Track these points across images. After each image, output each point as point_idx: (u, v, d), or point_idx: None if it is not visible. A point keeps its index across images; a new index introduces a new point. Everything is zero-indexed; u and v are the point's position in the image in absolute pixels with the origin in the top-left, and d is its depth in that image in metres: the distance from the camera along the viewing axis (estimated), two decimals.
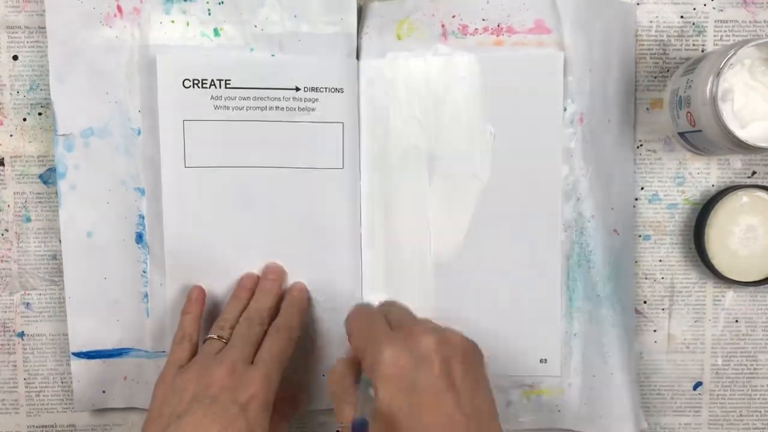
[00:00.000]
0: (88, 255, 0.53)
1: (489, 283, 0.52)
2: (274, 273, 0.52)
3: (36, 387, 0.56)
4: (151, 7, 0.50)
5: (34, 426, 0.56)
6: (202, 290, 0.52)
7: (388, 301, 0.45)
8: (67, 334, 0.54)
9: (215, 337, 0.48)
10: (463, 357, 0.39)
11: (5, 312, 0.55)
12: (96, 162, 0.52)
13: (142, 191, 0.52)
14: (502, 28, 0.51)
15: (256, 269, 0.52)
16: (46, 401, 0.56)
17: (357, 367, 0.42)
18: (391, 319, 0.42)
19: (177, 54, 0.51)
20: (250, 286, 0.51)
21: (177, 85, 0.50)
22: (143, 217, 0.53)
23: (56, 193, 0.53)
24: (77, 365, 0.54)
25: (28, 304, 0.55)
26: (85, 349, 0.54)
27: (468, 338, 0.41)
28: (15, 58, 0.53)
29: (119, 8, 0.51)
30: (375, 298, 0.50)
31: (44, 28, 0.52)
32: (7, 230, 0.54)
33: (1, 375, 0.55)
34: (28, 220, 0.54)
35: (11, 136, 0.54)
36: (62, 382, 0.56)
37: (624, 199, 0.53)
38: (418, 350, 0.38)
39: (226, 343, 0.47)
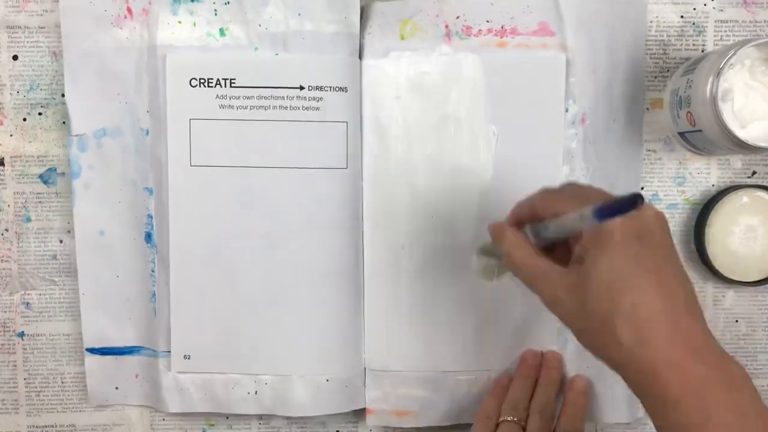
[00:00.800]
0: (100, 253, 0.53)
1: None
2: (557, 361, 0.53)
3: (36, 387, 0.56)
4: (159, 8, 0.51)
5: (34, 426, 0.56)
6: (509, 378, 0.53)
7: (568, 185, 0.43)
8: (67, 334, 0.55)
9: (514, 420, 0.50)
10: (668, 229, 0.39)
11: (5, 312, 0.55)
12: (108, 162, 0.52)
13: (150, 191, 0.53)
14: (505, 30, 0.51)
15: (257, 269, 0.52)
16: (46, 401, 0.56)
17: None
18: (589, 196, 0.40)
19: (184, 54, 0.51)
20: (536, 363, 0.53)
21: (184, 85, 0.51)
22: (152, 217, 0.53)
23: (56, 193, 0.54)
24: (90, 361, 0.54)
25: (28, 304, 0.55)
26: (98, 346, 0.54)
27: None
28: (15, 58, 0.53)
29: (129, 9, 0.51)
30: None
31: (44, 27, 0.53)
32: (7, 230, 0.54)
33: (1, 375, 0.55)
34: (28, 220, 0.54)
35: (11, 136, 0.54)
36: (62, 382, 0.56)
37: None
38: (641, 220, 0.37)
39: (522, 427, 0.49)
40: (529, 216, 0.42)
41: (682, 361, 0.35)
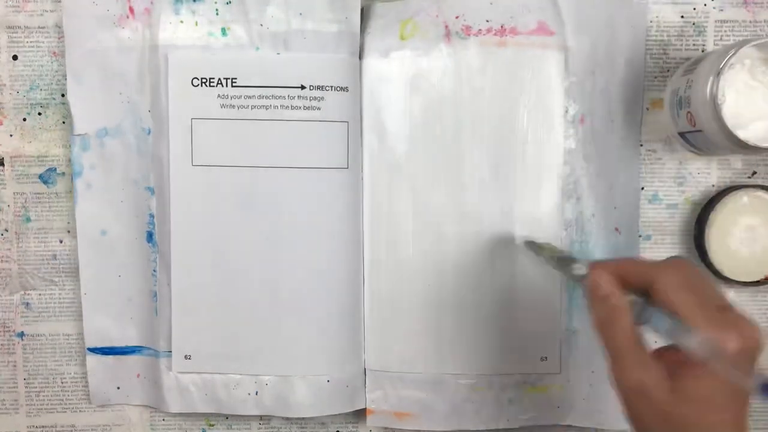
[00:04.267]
0: (102, 253, 0.53)
1: (491, 281, 0.53)
2: None
3: (36, 387, 0.56)
4: (161, 7, 0.51)
5: (34, 426, 0.56)
6: None
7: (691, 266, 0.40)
8: (67, 334, 0.55)
9: None
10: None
11: (5, 312, 0.55)
12: (110, 161, 0.53)
13: (152, 190, 0.53)
14: (505, 30, 0.51)
15: (258, 269, 0.52)
16: (46, 401, 0.56)
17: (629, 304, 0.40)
18: (712, 297, 0.39)
19: (186, 53, 0.51)
20: None
21: (186, 84, 0.51)
22: (153, 216, 0.53)
23: (55, 193, 0.54)
24: (92, 360, 0.54)
25: (28, 304, 0.55)
26: (99, 345, 0.54)
27: None
28: (15, 58, 0.53)
29: (131, 9, 0.51)
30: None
31: (44, 27, 0.52)
32: (7, 230, 0.54)
33: (1, 375, 0.55)
34: (28, 220, 0.54)
35: (11, 136, 0.54)
36: (62, 382, 0.55)
37: (627, 198, 0.53)
38: (747, 340, 0.37)
39: None
40: (635, 283, 0.39)
41: None
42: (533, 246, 0.50)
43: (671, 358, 0.38)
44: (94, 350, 0.54)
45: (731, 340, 0.36)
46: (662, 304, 0.38)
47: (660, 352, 0.39)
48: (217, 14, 0.51)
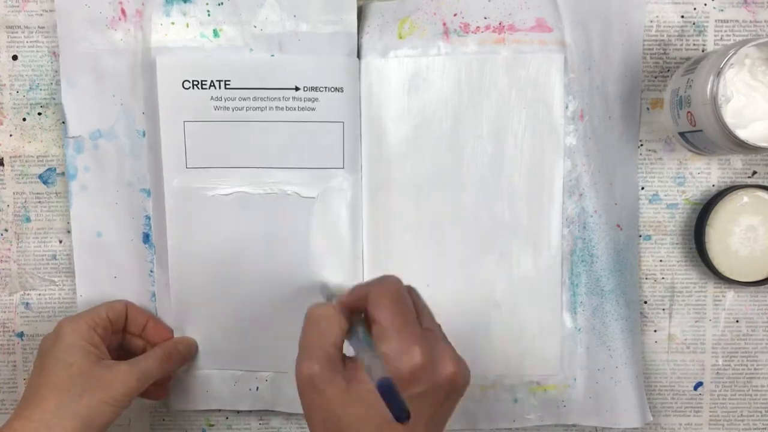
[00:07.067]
0: (98, 254, 0.53)
1: (491, 280, 0.52)
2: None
3: None
4: (152, 9, 0.51)
5: None
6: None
7: (413, 291, 0.44)
8: None
9: None
10: (457, 398, 0.42)
11: (5, 312, 0.55)
12: (104, 163, 0.53)
13: (148, 192, 0.53)
14: (503, 27, 0.51)
15: (256, 268, 0.52)
16: None
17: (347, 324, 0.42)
18: (421, 318, 0.42)
19: (177, 55, 0.51)
20: None
21: (177, 87, 0.51)
22: (149, 218, 0.53)
23: (55, 193, 0.54)
24: None
25: (27, 304, 0.55)
26: None
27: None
28: (15, 58, 0.53)
29: (123, 11, 0.51)
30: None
31: (44, 27, 0.53)
32: (6, 230, 0.54)
33: (1, 375, 0.55)
34: (28, 220, 0.54)
35: (11, 136, 0.54)
36: None
37: (627, 194, 0.53)
38: (440, 376, 0.40)
39: None
40: (358, 303, 0.42)
41: None
42: (325, 290, 0.51)
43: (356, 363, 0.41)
44: None
45: (414, 356, 0.38)
46: (369, 313, 0.41)
47: (353, 359, 0.41)
48: (208, 15, 0.51)
